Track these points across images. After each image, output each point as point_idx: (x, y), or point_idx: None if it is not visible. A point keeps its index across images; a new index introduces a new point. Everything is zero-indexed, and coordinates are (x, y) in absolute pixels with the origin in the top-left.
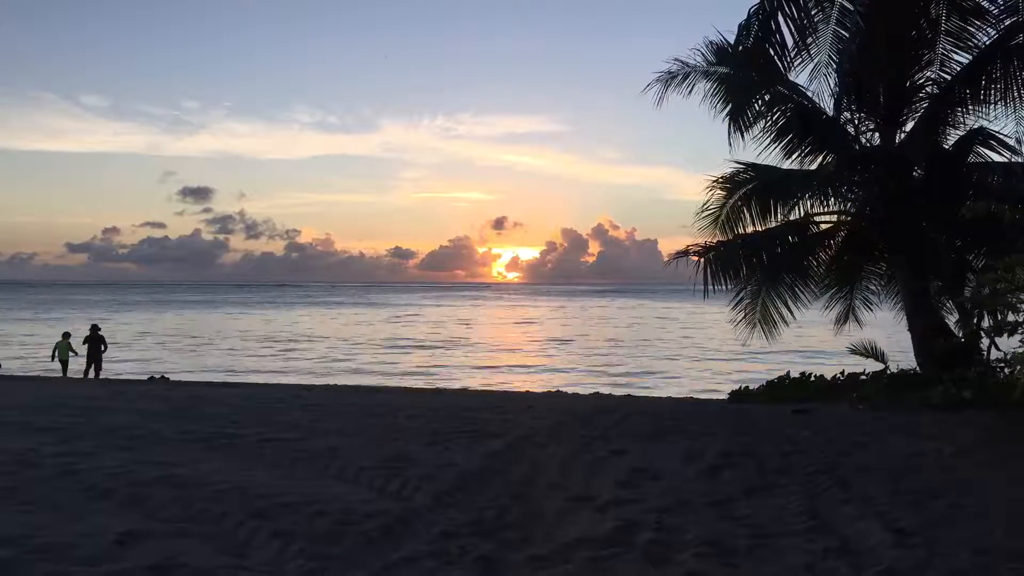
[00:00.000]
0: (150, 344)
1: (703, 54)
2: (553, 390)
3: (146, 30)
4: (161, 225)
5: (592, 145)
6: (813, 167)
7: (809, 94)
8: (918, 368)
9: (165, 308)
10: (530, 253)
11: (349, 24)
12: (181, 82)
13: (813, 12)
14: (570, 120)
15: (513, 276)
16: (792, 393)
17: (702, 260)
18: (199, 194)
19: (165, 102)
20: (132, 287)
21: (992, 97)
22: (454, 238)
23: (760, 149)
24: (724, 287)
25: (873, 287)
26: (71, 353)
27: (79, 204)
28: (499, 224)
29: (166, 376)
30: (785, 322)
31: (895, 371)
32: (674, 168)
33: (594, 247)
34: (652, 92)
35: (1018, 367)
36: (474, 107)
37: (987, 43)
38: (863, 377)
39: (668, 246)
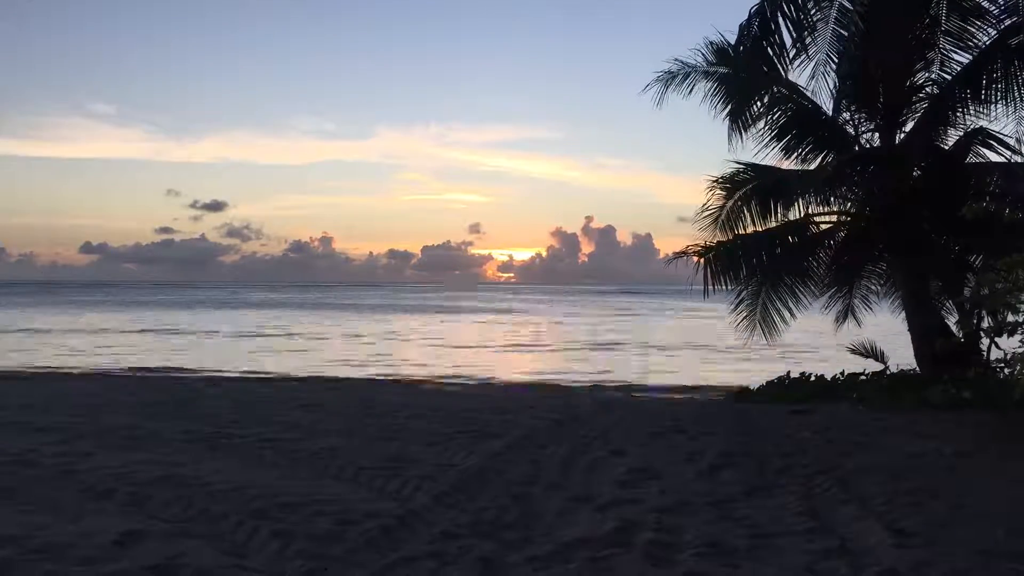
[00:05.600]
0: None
1: (703, 54)
2: (553, 390)
3: (147, 41)
4: (169, 230)
5: (586, 150)
6: (813, 167)
7: (809, 94)
8: (918, 368)
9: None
10: (525, 255)
11: (348, 36)
12: (185, 90)
13: (812, 12)
14: (563, 127)
15: (507, 276)
16: (792, 393)
17: (702, 260)
18: (204, 199)
19: (169, 110)
20: (156, 287)
21: (992, 97)
22: (451, 240)
23: (760, 149)
24: (724, 287)
25: (873, 287)
26: None
27: (85, 208)
28: (494, 227)
29: None
30: (785, 323)
31: (895, 371)
32: (667, 172)
33: (587, 248)
34: (649, 96)
35: (1018, 367)
36: (469, 115)
37: (987, 43)
38: (863, 377)
39: (661, 248)
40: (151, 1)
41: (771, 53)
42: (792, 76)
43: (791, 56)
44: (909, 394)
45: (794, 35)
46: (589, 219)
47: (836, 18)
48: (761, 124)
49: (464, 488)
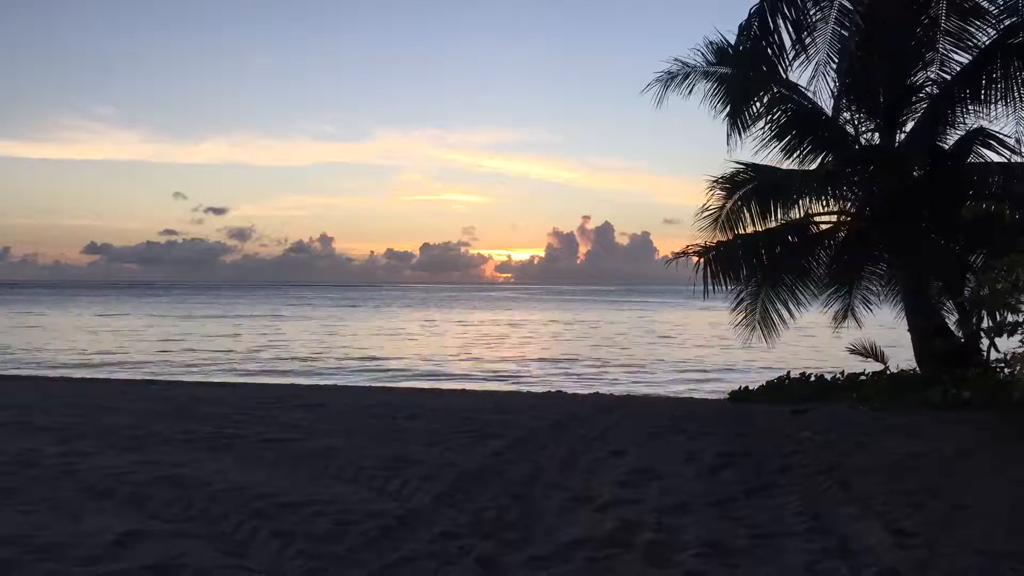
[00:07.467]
0: None
1: (703, 54)
2: (553, 390)
3: (148, 45)
4: (171, 231)
5: (584, 152)
6: (813, 167)
7: (809, 94)
8: (918, 368)
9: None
10: (523, 255)
11: (348, 39)
12: (185, 93)
13: (812, 12)
14: (561, 129)
15: (505, 276)
16: (792, 393)
17: (702, 260)
18: (205, 199)
19: (170, 112)
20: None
21: (992, 97)
22: (450, 240)
23: (760, 149)
24: (724, 288)
25: (873, 287)
26: None
27: (87, 208)
28: (493, 227)
29: None
30: (784, 323)
31: (895, 371)
32: (665, 173)
33: (584, 248)
34: (647, 98)
35: (1018, 367)
36: (467, 116)
37: (987, 43)
38: (863, 377)
39: (656, 248)
40: (151, 5)
41: (771, 53)
42: (792, 76)
43: (791, 56)
44: (909, 394)
45: (793, 36)
46: (586, 219)
47: (836, 18)
48: (761, 124)
49: (464, 488)
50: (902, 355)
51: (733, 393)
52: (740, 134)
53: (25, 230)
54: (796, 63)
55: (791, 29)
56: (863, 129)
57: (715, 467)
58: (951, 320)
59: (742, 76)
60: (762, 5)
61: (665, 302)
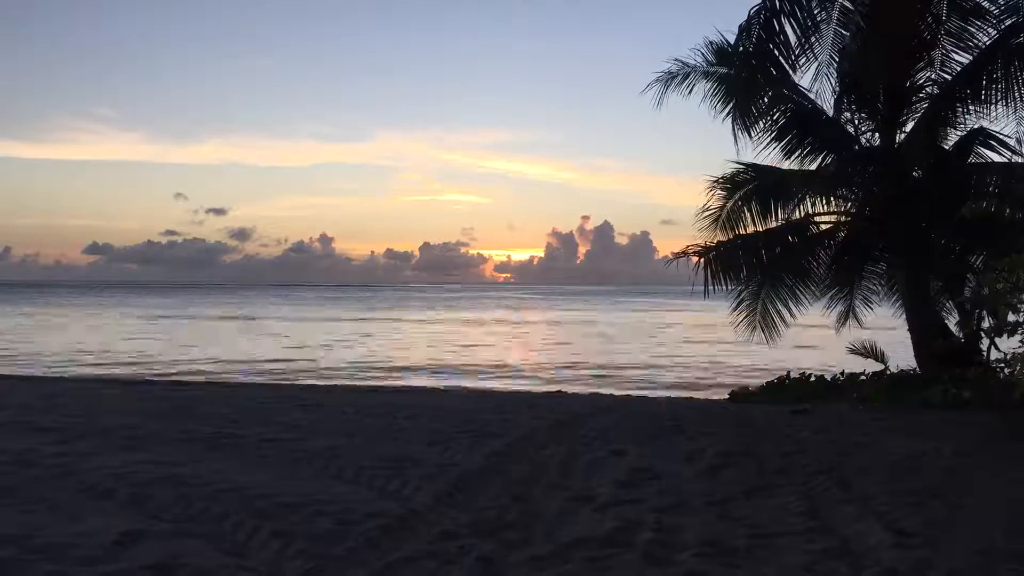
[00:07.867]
0: None
1: (703, 54)
2: (553, 390)
3: (147, 46)
4: (172, 232)
5: (583, 152)
6: (813, 167)
7: (809, 94)
8: (918, 368)
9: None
10: (522, 255)
11: (348, 41)
12: (185, 94)
13: (816, 12)
14: (560, 130)
15: (505, 276)
16: (792, 393)
17: (702, 260)
18: (206, 200)
19: (170, 113)
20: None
21: (993, 97)
22: (450, 240)
23: (760, 149)
24: (724, 288)
25: (874, 287)
26: None
27: (87, 209)
28: (492, 227)
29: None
30: (785, 323)
31: (895, 371)
32: (664, 173)
33: (584, 248)
34: (646, 99)
35: (1018, 367)
36: (467, 117)
37: (987, 43)
38: (863, 377)
39: (653, 249)
40: (150, 7)
41: (777, 54)
42: (794, 77)
43: (796, 55)
44: (909, 394)
45: (798, 34)
46: (585, 219)
47: (838, 18)
48: (761, 124)
49: (464, 488)
50: (902, 355)
51: (733, 393)
52: (740, 134)
53: (26, 230)
54: (801, 63)
55: (795, 29)
56: (863, 129)
57: (715, 467)
58: (951, 320)
59: (742, 76)
60: (764, 5)
61: (665, 302)
